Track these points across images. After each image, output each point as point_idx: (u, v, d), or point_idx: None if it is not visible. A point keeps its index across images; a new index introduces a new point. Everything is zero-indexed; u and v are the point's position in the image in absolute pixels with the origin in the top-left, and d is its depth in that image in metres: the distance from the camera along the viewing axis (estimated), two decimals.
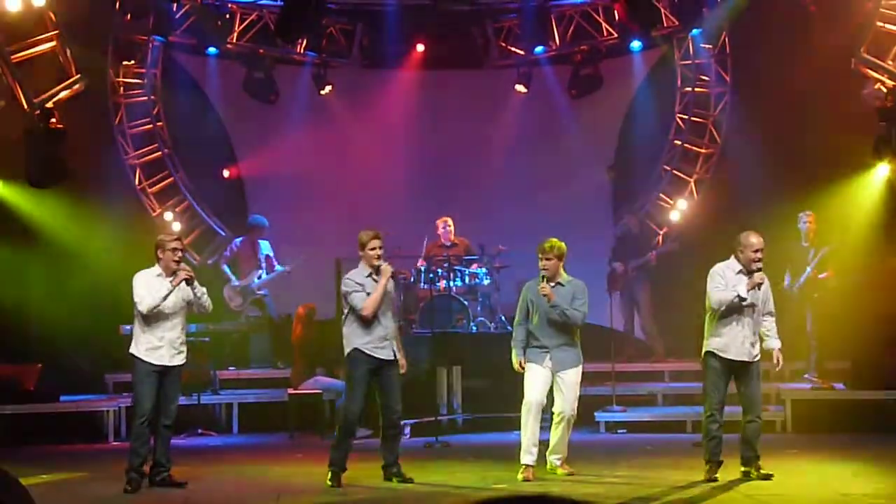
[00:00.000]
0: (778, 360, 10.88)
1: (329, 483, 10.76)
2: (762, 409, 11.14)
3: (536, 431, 10.97)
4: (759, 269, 10.60)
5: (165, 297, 10.60)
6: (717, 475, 10.71)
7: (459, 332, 15.14)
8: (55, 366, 15.13)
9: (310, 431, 14.65)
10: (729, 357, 10.67)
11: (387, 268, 10.90)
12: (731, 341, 10.67)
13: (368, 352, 10.85)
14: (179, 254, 10.78)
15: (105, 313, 15.08)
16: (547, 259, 10.97)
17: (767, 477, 10.62)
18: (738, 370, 10.73)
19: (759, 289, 10.63)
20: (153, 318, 10.62)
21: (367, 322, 10.84)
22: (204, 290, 10.96)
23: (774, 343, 10.85)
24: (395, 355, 10.98)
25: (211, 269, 17.46)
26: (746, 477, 10.70)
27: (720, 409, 10.78)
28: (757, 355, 10.75)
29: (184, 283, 10.70)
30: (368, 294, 10.80)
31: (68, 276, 16.05)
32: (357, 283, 10.90)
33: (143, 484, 10.61)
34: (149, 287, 10.62)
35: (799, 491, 10.26)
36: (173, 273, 10.68)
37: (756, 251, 10.62)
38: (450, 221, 16.40)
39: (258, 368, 16.98)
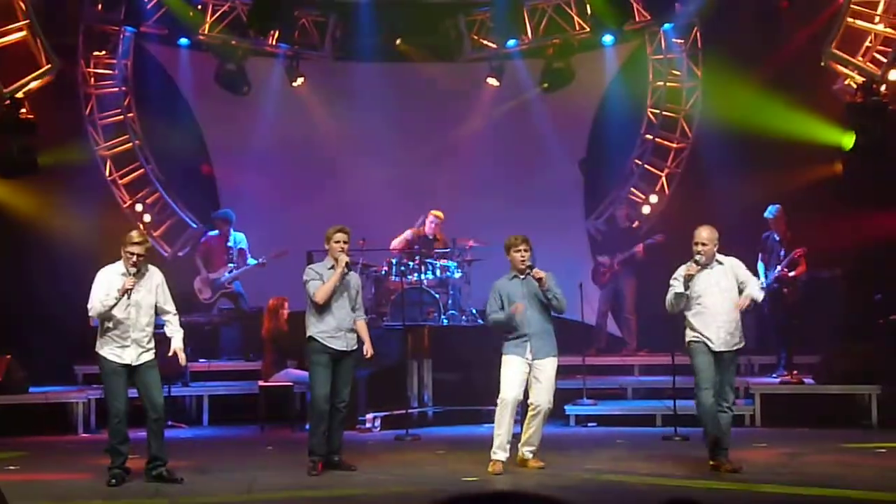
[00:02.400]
0: (743, 303, 10.90)
1: (310, 472, 10.85)
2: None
3: (511, 428, 11.01)
4: (696, 262, 10.71)
5: (112, 308, 10.44)
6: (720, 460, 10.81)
7: (430, 324, 15.16)
8: (24, 357, 15.03)
9: (280, 424, 14.65)
10: (710, 347, 10.77)
11: (342, 258, 11.12)
12: (709, 333, 10.76)
13: (322, 341, 11.13)
14: (135, 258, 10.45)
15: (75, 304, 14.97)
16: (525, 251, 11.08)
17: (736, 471, 10.67)
18: (716, 358, 10.80)
19: (694, 279, 10.71)
20: (116, 319, 10.54)
21: (320, 311, 11.14)
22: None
23: (750, 290, 10.91)
24: (350, 346, 11.23)
25: (182, 261, 17.44)
26: (715, 470, 10.76)
27: (712, 385, 10.76)
28: (736, 344, 10.83)
29: (159, 280, 10.68)
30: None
31: (38, 268, 15.99)
32: (317, 272, 11.25)
33: (127, 478, 10.56)
34: (110, 286, 10.49)
35: (765, 481, 10.34)
36: (137, 271, 10.56)
37: (695, 243, 10.80)
38: (440, 216, 16.40)
39: (229, 361, 16.96)
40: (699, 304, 10.80)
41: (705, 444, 11.01)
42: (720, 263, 10.86)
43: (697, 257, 10.75)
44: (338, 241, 11.17)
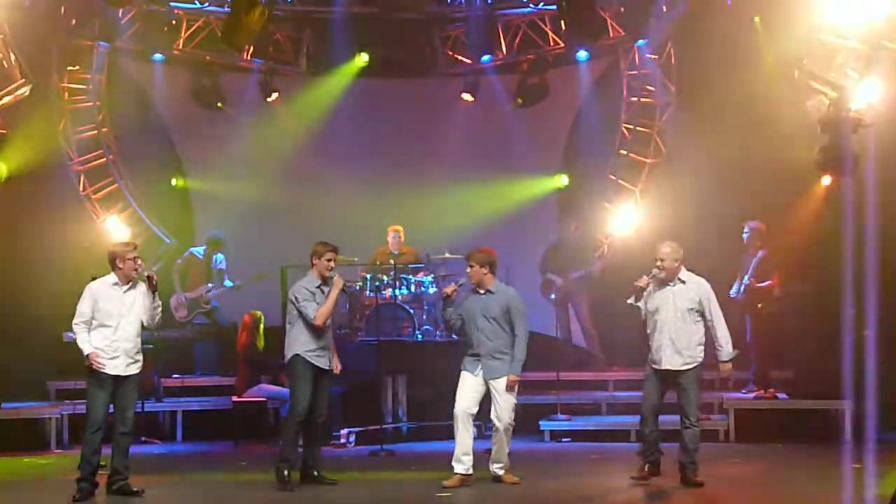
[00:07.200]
0: (725, 371, 10.94)
1: (277, 480, 10.81)
2: (703, 418, 11.21)
3: (467, 440, 11.02)
4: (652, 275, 10.79)
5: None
6: (647, 476, 10.93)
7: (405, 340, 15.14)
8: None
9: (254, 439, 14.62)
10: (656, 367, 10.80)
11: (339, 280, 11.25)
12: (655, 350, 10.84)
13: (308, 359, 11.12)
14: (139, 262, 10.66)
15: (48, 320, 14.93)
16: (469, 266, 11.20)
17: (698, 485, 10.67)
18: (667, 378, 10.81)
19: (648, 293, 10.86)
20: (106, 328, 10.52)
21: (313, 331, 11.10)
22: (159, 303, 10.86)
23: (721, 355, 10.89)
24: (330, 364, 11.29)
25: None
26: (681, 484, 10.78)
27: (649, 414, 10.96)
28: (686, 363, 10.75)
29: (144, 290, 10.64)
30: (318, 304, 11.07)
31: (9, 282, 15.90)
32: (310, 291, 11.17)
33: (95, 493, 10.51)
34: (97, 298, 10.51)
35: (735, 498, 10.37)
36: (130, 282, 10.59)
37: (656, 258, 10.83)
38: (401, 230, 16.43)
39: (203, 376, 16.92)
40: (655, 319, 10.86)
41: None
42: (682, 282, 10.86)
43: (655, 272, 10.79)
44: (329, 260, 11.23)
